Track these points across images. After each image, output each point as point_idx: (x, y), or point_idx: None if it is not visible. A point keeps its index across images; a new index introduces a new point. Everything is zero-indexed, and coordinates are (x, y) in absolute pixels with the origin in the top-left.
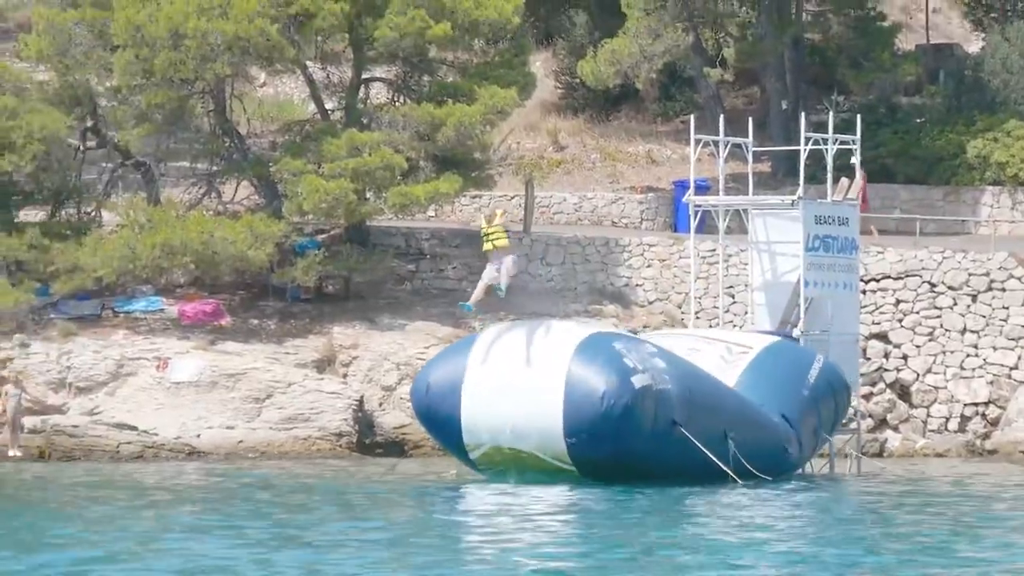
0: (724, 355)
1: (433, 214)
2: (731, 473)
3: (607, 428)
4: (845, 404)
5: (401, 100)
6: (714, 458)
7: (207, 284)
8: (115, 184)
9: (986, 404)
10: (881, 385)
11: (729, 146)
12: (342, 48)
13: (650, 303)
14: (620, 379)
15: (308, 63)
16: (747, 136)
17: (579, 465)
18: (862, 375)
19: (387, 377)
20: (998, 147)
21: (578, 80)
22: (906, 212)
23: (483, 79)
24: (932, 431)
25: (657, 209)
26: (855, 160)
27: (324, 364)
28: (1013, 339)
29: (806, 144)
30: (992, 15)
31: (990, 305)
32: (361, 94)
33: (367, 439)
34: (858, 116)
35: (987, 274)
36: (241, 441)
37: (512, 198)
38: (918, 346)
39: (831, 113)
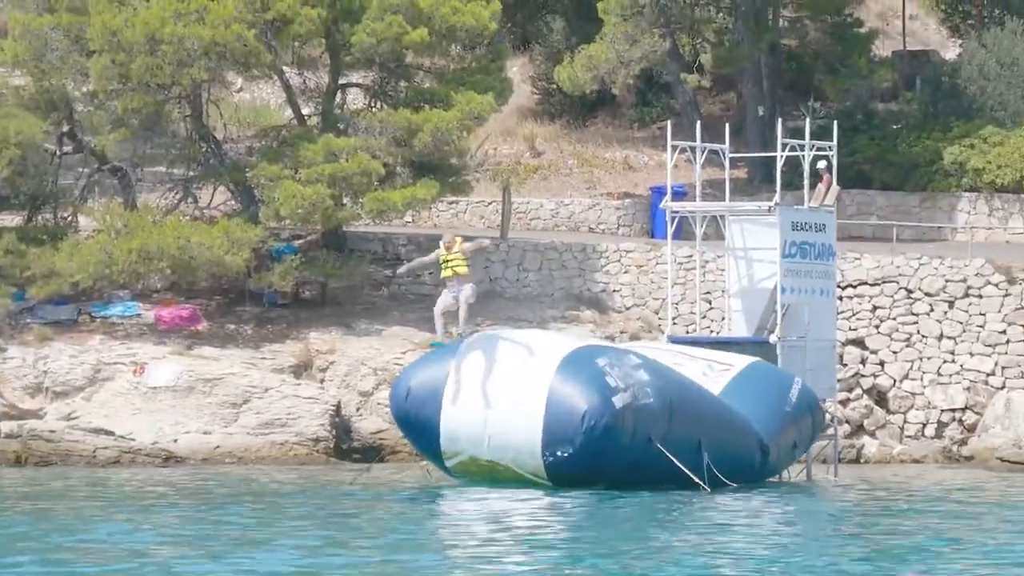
0: (705, 371)
1: (410, 220)
2: (703, 484)
3: (586, 447)
4: (820, 424)
5: (378, 106)
6: (688, 472)
7: (184, 289)
8: (91, 189)
9: (963, 410)
10: (858, 391)
11: (706, 152)
12: (319, 53)
13: (627, 309)
14: (601, 399)
15: (285, 68)
16: (724, 142)
17: (554, 480)
18: (839, 381)
19: (364, 382)
20: (975, 153)
21: (555, 86)
22: (883, 218)
23: (460, 85)
24: (909, 437)
25: (634, 215)
26: (821, 164)
27: (301, 369)
28: (990, 345)
29: (783, 150)
30: (969, 21)
31: (967, 311)
32: (338, 99)
33: (344, 444)
34: (835, 122)
35: (964, 280)
36: (218, 446)
37: (489, 204)
38: (895, 352)
39: (808, 119)
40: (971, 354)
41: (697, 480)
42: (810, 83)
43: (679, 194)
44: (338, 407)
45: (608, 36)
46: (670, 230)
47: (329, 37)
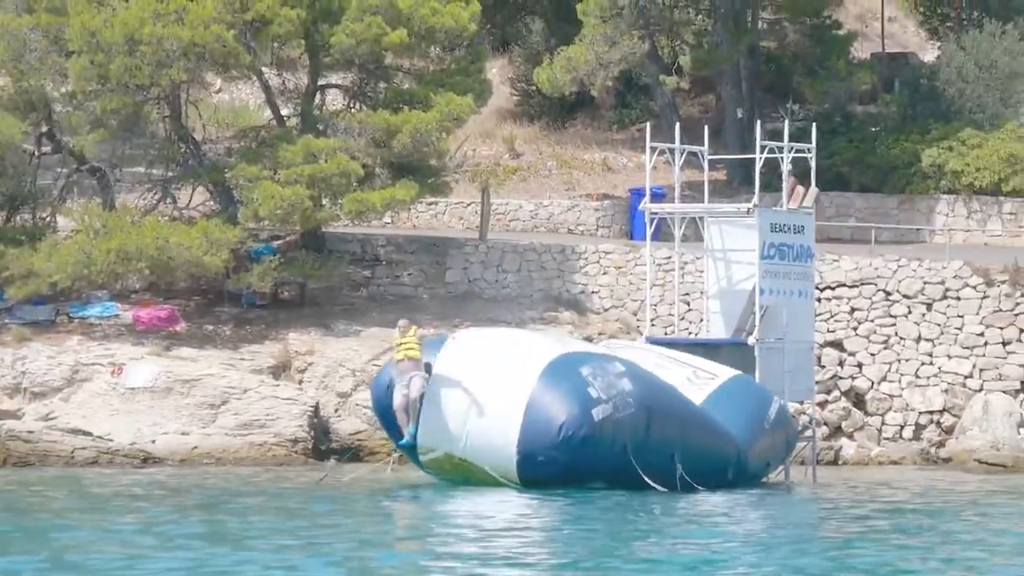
0: (690, 378)
1: (389, 221)
2: (674, 491)
3: (561, 457)
4: (792, 443)
5: (357, 107)
6: (659, 488)
7: (162, 290)
8: (70, 189)
9: (941, 412)
10: (836, 393)
11: (685, 154)
12: (298, 54)
13: (606, 310)
14: (581, 411)
15: (264, 69)
16: (703, 144)
17: (525, 484)
18: (817, 383)
19: (342, 383)
20: (953, 156)
21: (534, 87)
22: (861, 220)
23: (439, 86)
24: (887, 439)
25: (613, 216)
26: (787, 167)
27: (279, 370)
28: (968, 348)
29: (761, 152)
30: (948, 24)
31: (945, 314)
32: (317, 100)
33: (323, 445)
34: (813, 124)
35: (942, 283)
36: (196, 447)
37: (468, 205)
38: (873, 354)
39: (786, 121)
40: (949, 356)
41: (668, 490)
42: (789, 85)
43: (658, 196)
44: (316, 408)
45: (587, 38)
46: (649, 231)
47: (308, 38)
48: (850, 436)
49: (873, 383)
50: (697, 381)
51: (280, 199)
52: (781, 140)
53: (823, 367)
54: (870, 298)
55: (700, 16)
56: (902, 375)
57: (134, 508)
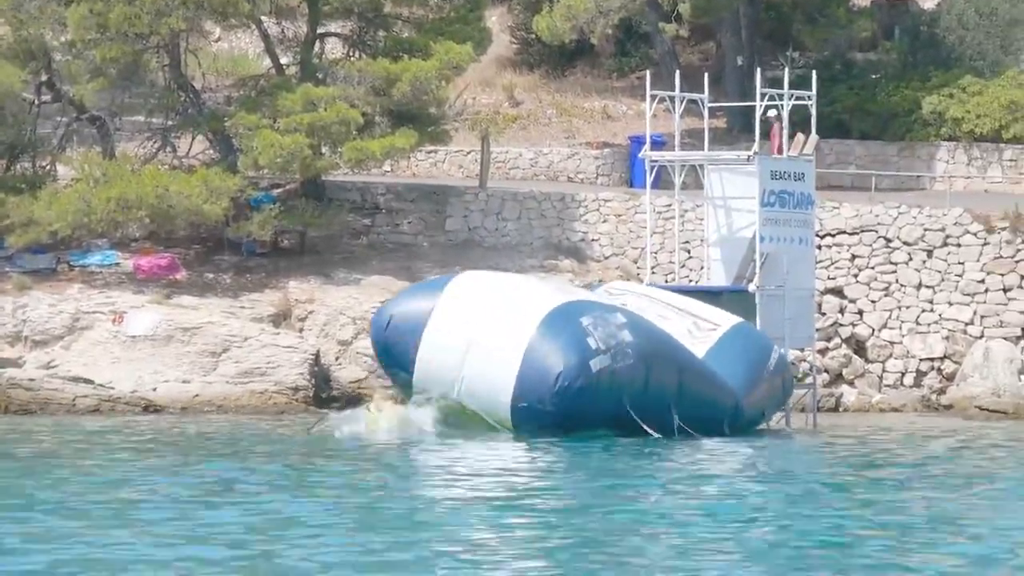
0: (691, 329)
1: (389, 169)
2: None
3: (556, 407)
4: (789, 391)
5: (356, 55)
6: (655, 433)
7: (162, 238)
8: (70, 138)
9: (941, 359)
10: (837, 340)
11: (685, 102)
12: (297, 3)
13: (606, 258)
14: (578, 361)
15: (263, 18)
16: (703, 92)
17: (519, 430)
18: (817, 330)
19: (343, 331)
20: (953, 103)
21: (534, 35)
22: (861, 167)
23: (438, 34)
24: (888, 386)
25: (613, 165)
26: (771, 113)
27: (280, 318)
28: (968, 295)
29: (761, 100)
30: None
31: (945, 260)
32: (316, 49)
33: (323, 393)
34: (813, 72)
35: (942, 229)
36: (197, 395)
37: (468, 153)
38: (873, 301)
39: (786, 69)
40: (950, 303)
41: (664, 437)
42: (789, 33)
43: (658, 144)
44: (317, 356)
45: None
46: (649, 179)
47: None
48: (851, 383)
49: (874, 330)
50: (699, 333)
51: (280, 147)
52: (781, 88)
53: (824, 314)
54: (870, 245)
55: None
56: (903, 322)
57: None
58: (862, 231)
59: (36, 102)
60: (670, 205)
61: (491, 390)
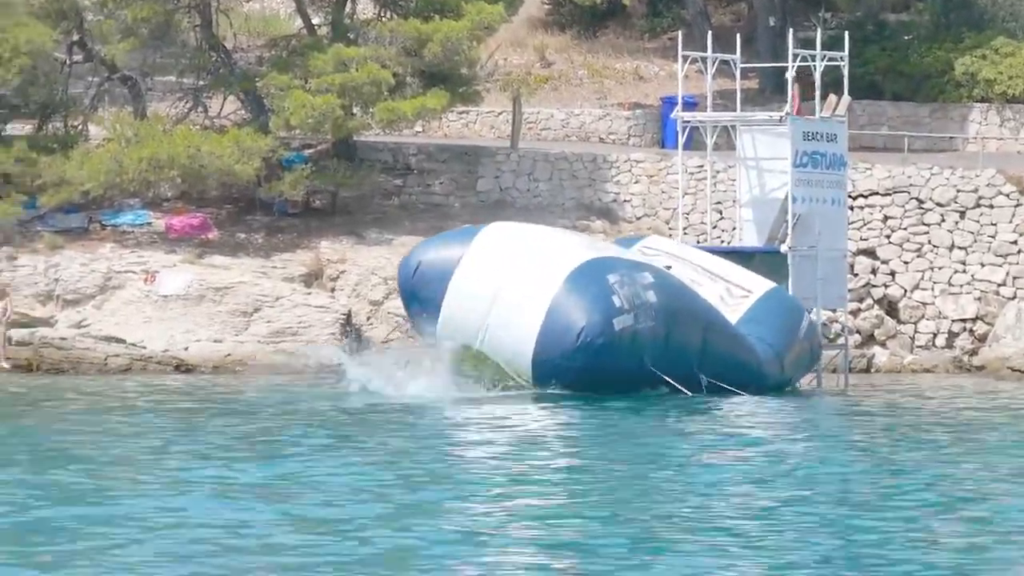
0: (724, 296)
1: (420, 129)
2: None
3: (576, 363)
4: (818, 355)
5: (388, 15)
6: (684, 389)
7: (194, 198)
8: (101, 98)
9: (974, 320)
10: (869, 301)
11: (717, 63)
12: None
13: (638, 219)
14: (602, 318)
15: None
16: (735, 53)
17: (539, 384)
18: (850, 291)
19: (374, 292)
20: (986, 64)
21: None
22: (894, 129)
23: None
24: (920, 347)
25: (645, 125)
26: (790, 75)
27: (311, 279)
28: (1001, 256)
29: (794, 61)
30: None
31: (978, 222)
32: (348, 9)
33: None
34: (846, 32)
35: (975, 191)
36: (229, 355)
37: (499, 114)
38: (906, 262)
39: (819, 30)
40: (982, 264)
41: (690, 392)
42: None
43: (690, 104)
44: (348, 316)
45: None
46: (681, 140)
47: None
48: (883, 344)
49: (906, 291)
50: (731, 300)
51: (311, 108)
52: (813, 49)
53: (856, 275)
54: (903, 206)
55: None
56: (935, 283)
57: None
58: (895, 192)
59: (68, 62)
60: (702, 166)
61: (514, 342)
